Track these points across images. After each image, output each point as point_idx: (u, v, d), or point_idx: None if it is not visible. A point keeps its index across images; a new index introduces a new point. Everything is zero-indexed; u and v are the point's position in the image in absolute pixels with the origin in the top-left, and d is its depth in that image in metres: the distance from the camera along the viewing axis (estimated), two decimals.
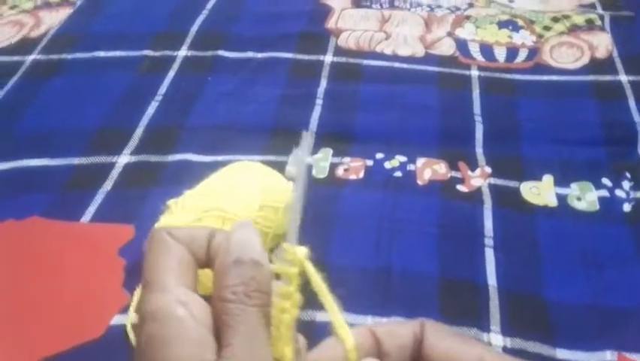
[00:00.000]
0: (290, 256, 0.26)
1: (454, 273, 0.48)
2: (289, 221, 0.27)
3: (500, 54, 0.71)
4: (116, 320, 0.44)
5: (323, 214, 0.53)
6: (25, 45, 0.72)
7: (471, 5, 0.80)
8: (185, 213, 0.44)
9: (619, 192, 0.55)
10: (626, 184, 0.56)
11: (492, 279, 0.47)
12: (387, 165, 0.57)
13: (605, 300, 0.47)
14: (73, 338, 0.43)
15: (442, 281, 0.47)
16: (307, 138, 0.28)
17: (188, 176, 0.51)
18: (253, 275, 0.25)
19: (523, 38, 0.74)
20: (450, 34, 0.74)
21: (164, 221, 0.45)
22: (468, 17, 0.77)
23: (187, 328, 0.24)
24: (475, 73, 0.69)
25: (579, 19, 0.76)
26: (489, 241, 0.50)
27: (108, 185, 0.55)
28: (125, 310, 0.45)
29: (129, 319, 0.44)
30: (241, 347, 0.24)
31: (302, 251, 0.26)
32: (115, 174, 0.56)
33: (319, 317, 0.45)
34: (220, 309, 0.24)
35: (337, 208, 0.54)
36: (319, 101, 0.64)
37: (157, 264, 0.26)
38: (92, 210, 0.53)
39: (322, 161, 0.58)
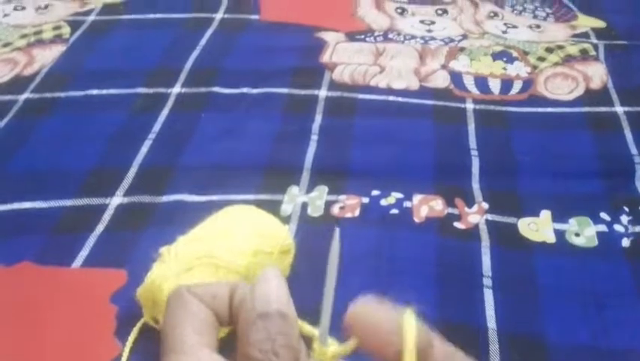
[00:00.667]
0: (320, 356, 0.25)
1: (453, 316, 0.47)
2: (322, 320, 0.26)
3: (495, 86, 0.71)
4: None
5: (319, 254, 0.52)
6: (18, 83, 0.72)
7: (464, 37, 0.80)
8: (177, 261, 0.43)
9: (617, 227, 0.54)
10: (625, 218, 0.55)
11: (491, 322, 0.47)
12: (384, 202, 0.57)
13: (605, 341, 0.46)
14: None
15: (441, 325, 0.46)
16: (336, 236, 0.26)
17: (182, 217, 0.50)
18: (280, 329, 0.24)
19: (518, 70, 0.74)
20: (444, 66, 0.74)
21: (156, 270, 0.44)
22: (462, 49, 0.77)
23: None
24: (470, 106, 0.69)
25: (573, 50, 0.76)
26: (487, 281, 0.50)
27: (100, 228, 0.54)
28: (116, 360, 0.44)
29: None
30: None
31: (332, 350, 0.25)
32: (107, 216, 0.55)
33: None
34: None
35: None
36: (314, 137, 0.64)
37: (178, 325, 0.25)
38: (83, 254, 0.52)
39: (317, 199, 0.57)
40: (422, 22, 0.83)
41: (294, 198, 0.57)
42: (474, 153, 0.62)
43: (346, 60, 0.75)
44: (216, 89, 0.70)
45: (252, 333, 0.24)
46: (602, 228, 0.55)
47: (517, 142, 0.64)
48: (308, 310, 0.47)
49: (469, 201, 0.57)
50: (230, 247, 0.44)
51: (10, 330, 0.46)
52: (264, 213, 0.48)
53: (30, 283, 0.50)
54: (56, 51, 0.77)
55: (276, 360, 0.23)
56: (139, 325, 0.45)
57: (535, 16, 0.84)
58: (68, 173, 0.60)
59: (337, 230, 0.26)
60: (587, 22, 0.83)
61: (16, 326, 0.46)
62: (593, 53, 0.76)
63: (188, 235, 0.46)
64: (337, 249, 0.26)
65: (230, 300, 0.26)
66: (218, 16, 0.83)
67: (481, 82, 0.72)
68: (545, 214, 0.56)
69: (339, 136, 0.65)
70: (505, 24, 0.83)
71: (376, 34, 0.80)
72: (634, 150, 0.62)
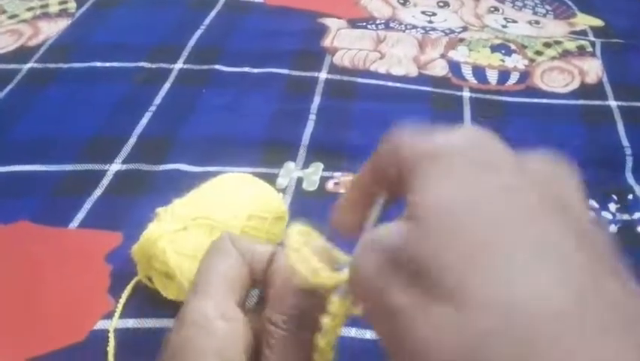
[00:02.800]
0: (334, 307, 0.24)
1: None
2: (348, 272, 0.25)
3: (492, 76, 0.72)
4: (99, 325, 0.44)
5: (313, 226, 0.53)
6: (22, 53, 0.73)
7: (465, 29, 0.81)
8: (173, 220, 0.44)
9: (605, 214, 0.56)
10: (613, 206, 0.56)
11: None
12: None
13: None
14: (56, 341, 0.43)
15: None
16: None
17: (179, 185, 0.51)
18: (309, 308, 0.24)
19: (515, 62, 0.75)
20: (443, 55, 0.75)
21: (152, 228, 0.45)
22: (461, 40, 0.78)
23: (223, 341, 0.24)
24: (466, 94, 0.70)
25: (571, 45, 0.78)
26: None
27: (98, 192, 0.55)
28: (108, 315, 0.45)
29: (112, 325, 0.44)
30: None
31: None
32: (105, 181, 0.56)
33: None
34: (269, 331, 0.24)
35: (326, 221, 0.54)
36: (312, 117, 0.65)
37: (212, 269, 0.26)
38: (80, 216, 0.53)
39: (313, 175, 0.58)
40: (424, 12, 0.84)
41: (289, 172, 0.58)
42: None
43: (347, 45, 0.76)
44: (218, 67, 0.71)
45: (284, 303, 0.25)
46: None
47: (512, 130, 0.65)
48: None
49: None
50: (226, 210, 0.45)
51: (5, 286, 0.47)
52: (260, 181, 0.49)
53: (27, 242, 0.51)
54: (61, 24, 0.78)
55: (298, 334, 0.24)
56: (133, 282, 0.46)
57: (535, 13, 0.86)
58: (69, 140, 0.61)
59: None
60: (585, 21, 0.84)
61: (12, 281, 0.47)
62: (590, 49, 0.77)
63: (184, 197, 0.47)
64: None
65: (268, 263, 0.26)
66: None
67: (479, 72, 0.73)
68: None
69: (336, 117, 0.66)
70: (505, 18, 0.84)
71: (378, 22, 0.82)
72: (625, 142, 0.64)
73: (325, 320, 0.24)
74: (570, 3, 0.88)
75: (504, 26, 0.82)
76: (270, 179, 0.56)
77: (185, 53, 0.73)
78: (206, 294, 0.25)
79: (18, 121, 0.64)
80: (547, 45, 0.78)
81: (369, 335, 0.44)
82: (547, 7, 0.87)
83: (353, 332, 0.45)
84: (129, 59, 0.72)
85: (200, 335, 0.24)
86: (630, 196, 0.58)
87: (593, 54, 0.77)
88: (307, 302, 0.25)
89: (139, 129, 0.62)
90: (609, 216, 0.55)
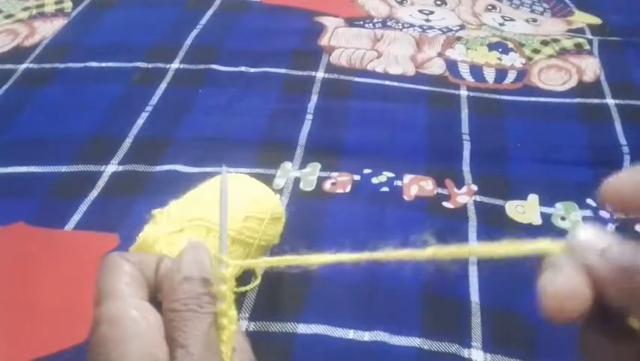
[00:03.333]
0: (219, 274, 0.27)
1: (437, 288, 0.48)
2: (220, 236, 0.29)
3: (489, 75, 0.72)
4: None
5: (309, 227, 0.53)
6: (18, 53, 0.73)
7: (462, 27, 0.81)
8: (169, 222, 0.44)
9: (603, 213, 0.56)
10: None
11: (475, 296, 0.47)
12: (375, 180, 0.58)
13: None
14: (54, 344, 0.43)
15: (424, 297, 0.47)
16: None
17: (175, 186, 0.51)
18: (204, 291, 0.26)
19: (513, 60, 0.75)
20: (440, 54, 0.75)
21: (148, 230, 0.44)
22: (459, 39, 0.78)
23: (141, 328, 0.24)
24: (464, 93, 0.69)
25: (568, 43, 0.77)
26: (472, 258, 0.50)
27: (94, 193, 0.55)
28: None
29: None
30: (197, 348, 0.24)
31: (228, 268, 0.28)
32: (101, 183, 0.56)
33: (301, 329, 0.45)
34: (172, 318, 0.25)
35: (324, 221, 0.54)
36: (309, 117, 0.65)
37: (110, 278, 0.27)
38: (76, 218, 0.53)
39: (310, 175, 0.58)
40: (421, 11, 0.84)
41: (286, 172, 0.58)
42: (466, 137, 0.63)
43: (344, 44, 0.76)
44: (215, 66, 0.71)
45: (177, 292, 0.26)
46: (588, 213, 0.56)
47: (509, 129, 0.65)
48: (296, 276, 0.48)
49: (459, 183, 0.58)
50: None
51: (1, 288, 0.47)
52: (257, 182, 0.49)
53: (23, 243, 0.51)
54: (57, 24, 0.78)
55: (200, 310, 0.25)
56: None
57: (532, 11, 0.85)
58: (65, 140, 0.61)
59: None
60: (582, 19, 0.84)
61: (8, 284, 0.47)
62: (587, 47, 0.77)
63: (180, 198, 0.46)
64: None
65: (157, 268, 0.28)
66: None
67: (476, 70, 0.73)
68: (533, 198, 0.57)
69: (334, 116, 0.65)
70: (502, 17, 0.84)
71: (375, 20, 0.81)
72: (623, 141, 0.63)
73: (221, 287, 0.26)
74: (567, 1, 0.88)
75: (501, 24, 0.82)
76: (267, 179, 0.56)
77: (181, 53, 0.73)
78: (111, 295, 0.26)
79: (14, 122, 0.63)
80: (545, 43, 0.78)
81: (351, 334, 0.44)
82: (545, 5, 0.86)
83: (351, 334, 0.45)
84: (125, 59, 0.71)
85: (117, 329, 0.25)
86: None
87: (590, 52, 0.76)
88: (201, 287, 0.26)
89: (135, 130, 0.62)
90: (607, 216, 0.55)
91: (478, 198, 0.56)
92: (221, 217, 0.29)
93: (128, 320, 0.24)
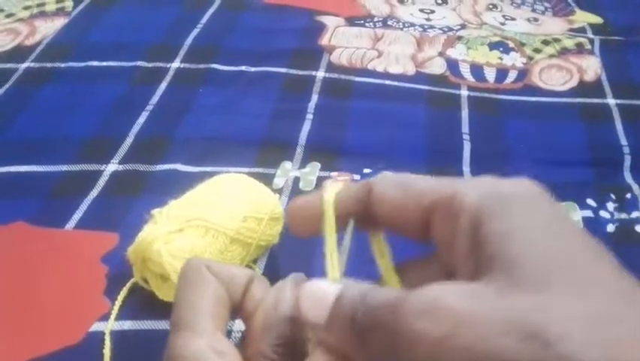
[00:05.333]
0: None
1: None
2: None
3: (490, 75, 0.72)
4: (95, 326, 0.44)
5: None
6: (19, 53, 0.73)
7: (463, 26, 0.81)
8: (168, 222, 0.44)
9: (603, 213, 0.55)
10: (611, 205, 0.56)
11: None
12: None
13: None
14: (52, 343, 0.43)
15: None
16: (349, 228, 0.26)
17: (175, 186, 0.51)
18: (298, 335, 0.23)
19: (514, 60, 0.74)
20: (441, 54, 0.75)
21: (147, 230, 0.45)
22: (459, 38, 0.78)
23: None
24: (464, 92, 0.69)
25: (569, 43, 0.77)
26: None
27: (94, 193, 0.55)
28: (104, 317, 0.45)
29: (108, 327, 0.44)
30: None
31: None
32: (102, 182, 0.56)
33: None
34: None
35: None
36: (310, 116, 0.65)
37: (193, 301, 0.24)
38: (77, 217, 0.53)
39: (309, 175, 0.58)
40: (422, 10, 0.84)
41: (286, 172, 0.58)
42: (466, 137, 0.63)
43: (345, 44, 0.76)
44: (215, 65, 0.71)
45: (269, 332, 0.23)
46: (588, 213, 0.56)
47: (510, 129, 0.65)
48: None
49: None
50: (221, 211, 0.45)
51: (1, 287, 0.47)
52: (256, 182, 0.49)
53: (24, 242, 0.51)
54: (58, 23, 0.78)
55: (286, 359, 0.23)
56: (129, 284, 0.46)
57: (533, 10, 0.85)
58: (65, 140, 0.61)
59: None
60: (584, 18, 0.84)
61: (8, 283, 0.47)
62: (589, 46, 0.77)
63: (180, 199, 0.47)
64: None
65: (246, 288, 0.25)
66: None
67: (477, 70, 0.73)
68: None
69: (334, 116, 0.65)
70: (503, 16, 0.84)
71: (376, 20, 0.81)
72: (624, 141, 0.63)
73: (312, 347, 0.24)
74: (569, 0, 0.87)
75: (502, 24, 0.82)
76: (267, 179, 0.56)
77: (182, 52, 0.73)
78: (190, 328, 0.23)
79: (14, 121, 0.63)
80: (546, 43, 0.77)
81: None
82: (546, 4, 0.86)
83: None
84: (126, 58, 0.71)
85: None
86: (628, 195, 0.57)
87: (591, 52, 0.76)
88: (295, 330, 0.24)
89: (136, 129, 0.62)
90: (607, 216, 0.55)
91: None
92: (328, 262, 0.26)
93: None
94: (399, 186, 0.24)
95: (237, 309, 0.25)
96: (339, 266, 0.25)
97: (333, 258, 0.25)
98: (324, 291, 0.22)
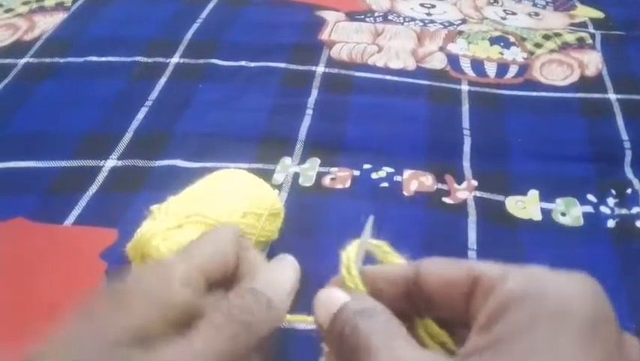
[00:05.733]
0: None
1: None
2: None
3: (491, 69, 0.72)
4: None
5: (308, 222, 0.53)
6: (18, 48, 0.72)
7: (464, 21, 0.80)
8: (167, 218, 0.44)
9: (604, 209, 0.55)
10: (611, 201, 0.56)
11: None
12: (374, 175, 0.58)
13: None
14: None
15: None
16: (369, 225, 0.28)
17: (175, 181, 0.51)
18: (261, 315, 0.25)
19: (514, 55, 0.74)
20: (442, 48, 0.75)
21: (146, 226, 0.44)
22: (460, 33, 0.78)
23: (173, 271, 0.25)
24: (465, 87, 0.69)
25: (570, 37, 0.77)
26: (472, 253, 0.50)
27: (94, 188, 0.55)
28: None
29: None
30: (206, 335, 0.23)
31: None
32: (101, 178, 0.56)
33: (297, 324, 0.45)
34: (209, 306, 0.24)
35: (323, 217, 0.54)
36: (309, 111, 0.65)
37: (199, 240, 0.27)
38: (76, 213, 0.53)
39: (309, 170, 0.58)
40: (422, 5, 0.83)
41: (286, 168, 0.58)
42: (466, 132, 0.63)
43: (345, 39, 0.76)
44: (215, 61, 0.71)
45: (237, 297, 0.25)
46: (588, 209, 0.55)
47: (510, 124, 0.65)
48: None
49: (459, 178, 0.58)
50: (220, 207, 0.44)
51: (0, 282, 0.47)
52: (255, 177, 0.49)
53: (23, 238, 0.51)
54: (57, 18, 0.78)
55: (243, 332, 0.24)
56: None
57: (534, 4, 0.85)
58: (64, 136, 0.61)
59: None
60: (585, 13, 0.83)
61: (7, 278, 0.47)
62: (590, 41, 0.77)
63: (179, 194, 0.46)
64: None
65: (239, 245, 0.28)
66: None
67: (478, 65, 0.73)
68: (533, 193, 0.56)
69: (334, 111, 0.65)
70: (504, 10, 0.83)
71: (376, 14, 0.81)
72: (624, 136, 0.63)
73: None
74: None
75: (503, 18, 0.82)
76: (267, 175, 0.56)
77: (181, 47, 0.73)
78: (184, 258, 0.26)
79: (13, 117, 0.63)
80: (547, 37, 0.77)
81: None
82: None
83: None
84: (125, 54, 0.71)
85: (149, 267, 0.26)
86: (629, 190, 0.57)
87: (592, 46, 0.76)
88: (259, 310, 0.26)
89: (135, 124, 0.62)
90: (607, 212, 0.55)
91: (478, 193, 0.56)
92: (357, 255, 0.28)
93: (163, 267, 0.26)
94: (449, 262, 0.26)
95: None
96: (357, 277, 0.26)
97: (351, 268, 0.26)
98: (333, 298, 0.25)
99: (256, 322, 0.24)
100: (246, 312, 0.24)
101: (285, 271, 0.27)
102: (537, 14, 0.83)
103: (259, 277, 0.26)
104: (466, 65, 0.72)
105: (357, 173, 0.58)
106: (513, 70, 0.72)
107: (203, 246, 0.27)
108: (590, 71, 0.72)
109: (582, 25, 0.81)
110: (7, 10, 0.80)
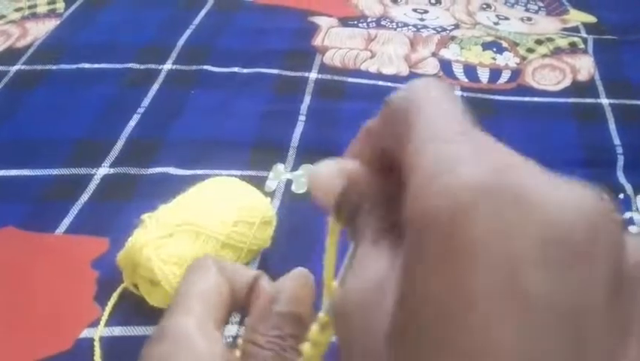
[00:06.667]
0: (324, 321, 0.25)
1: None
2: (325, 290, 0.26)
3: (483, 75, 0.72)
4: (85, 333, 0.44)
5: (302, 229, 0.53)
6: (10, 55, 0.72)
7: (457, 26, 0.81)
8: (158, 227, 0.44)
9: None
10: None
11: None
12: None
13: None
14: (43, 350, 0.43)
15: None
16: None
17: (167, 189, 0.51)
18: (293, 333, 0.23)
19: (507, 60, 0.74)
20: (434, 54, 0.75)
21: (137, 235, 0.44)
22: (453, 38, 0.78)
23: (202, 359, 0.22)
24: (457, 93, 0.69)
25: (562, 42, 0.77)
26: None
27: (85, 197, 0.55)
28: (94, 323, 0.44)
29: (98, 333, 0.43)
30: None
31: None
32: (92, 186, 0.56)
33: None
34: (249, 352, 0.23)
35: (316, 224, 0.54)
36: (302, 118, 0.65)
37: (192, 288, 0.25)
38: (67, 221, 0.52)
39: (302, 177, 0.58)
40: (415, 10, 0.83)
41: (279, 175, 0.58)
42: None
43: (338, 44, 0.76)
44: (207, 67, 0.71)
45: (266, 326, 0.23)
46: None
47: (503, 130, 0.65)
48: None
49: None
50: (212, 216, 0.44)
51: None
52: (247, 186, 0.49)
53: (13, 248, 0.50)
54: (50, 25, 0.78)
55: (281, 353, 0.23)
56: (119, 290, 0.46)
57: (527, 9, 0.85)
58: (56, 143, 0.61)
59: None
60: (578, 17, 0.83)
61: None
62: (582, 46, 0.77)
63: (170, 203, 0.46)
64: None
65: (251, 285, 0.25)
66: None
67: (470, 70, 0.73)
68: None
69: (326, 117, 0.65)
70: (497, 15, 0.83)
71: (369, 20, 0.81)
72: (617, 141, 0.63)
73: (305, 347, 0.24)
74: None
75: (496, 23, 0.82)
76: (259, 182, 0.56)
77: (174, 54, 0.72)
78: (187, 311, 0.24)
79: (4, 124, 0.63)
80: (539, 42, 0.77)
81: None
82: (540, 4, 0.86)
83: None
84: (118, 60, 0.71)
85: (180, 351, 0.23)
86: (621, 195, 0.57)
87: (585, 51, 0.76)
88: (290, 326, 0.24)
89: (127, 131, 0.62)
90: None
91: None
92: (326, 270, 0.26)
93: (192, 344, 0.23)
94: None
95: (242, 305, 0.25)
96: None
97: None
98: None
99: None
100: (279, 338, 0.24)
101: (298, 281, 0.26)
102: (530, 19, 0.83)
103: (282, 298, 0.25)
104: (458, 71, 0.72)
105: None
106: (505, 75, 0.72)
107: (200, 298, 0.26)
108: (583, 76, 0.72)
109: (574, 29, 0.81)
110: (0, 17, 0.79)
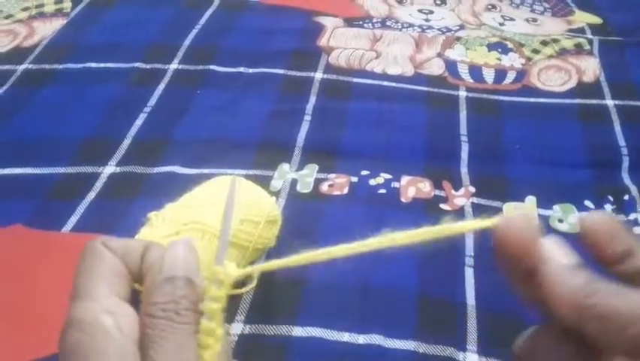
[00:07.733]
0: (219, 276, 0.25)
1: (433, 291, 0.48)
2: (219, 243, 0.27)
3: (489, 75, 0.72)
4: None
5: (306, 229, 0.53)
6: (17, 54, 0.73)
7: (462, 27, 0.81)
8: (165, 225, 0.44)
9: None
10: (609, 207, 0.56)
11: (470, 298, 0.47)
12: (372, 182, 0.58)
13: None
14: (49, 347, 0.43)
15: (420, 300, 0.48)
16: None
17: (173, 188, 0.51)
18: (185, 294, 0.24)
19: (512, 61, 0.74)
20: (440, 54, 0.75)
21: (143, 233, 0.45)
22: (458, 39, 0.78)
23: (112, 340, 0.23)
24: (463, 93, 0.69)
25: (568, 43, 0.77)
26: (469, 260, 0.50)
27: (92, 195, 0.55)
28: None
29: None
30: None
31: (230, 273, 0.25)
32: (99, 184, 0.56)
33: (296, 332, 0.45)
34: (147, 324, 0.24)
35: (320, 223, 0.54)
36: (307, 118, 0.65)
37: (88, 272, 0.26)
38: (73, 219, 0.53)
39: (307, 177, 0.58)
40: (420, 11, 0.84)
41: (284, 174, 0.58)
42: (464, 139, 0.63)
43: (343, 45, 0.76)
44: (213, 67, 0.71)
45: (157, 294, 0.24)
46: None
47: (508, 130, 0.65)
48: (291, 279, 0.48)
49: (457, 185, 0.58)
50: (218, 214, 0.44)
51: None
52: (253, 184, 0.49)
53: (20, 245, 0.51)
54: (57, 24, 0.78)
55: (177, 319, 0.24)
56: None
57: (532, 10, 0.85)
58: (63, 142, 0.61)
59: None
60: (583, 18, 0.83)
61: (4, 285, 0.47)
62: (588, 47, 0.77)
63: (176, 201, 0.46)
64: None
65: (142, 257, 0.26)
66: None
67: (476, 71, 0.73)
68: (530, 200, 0.56)
69: (332, 117, 0.65)
70: (502, 16, 0.83)
71: (374, 20, 0.81)
72: (622, 142, 0.63)
73: (205, 304, 0.24)
74: (568, 0, 0.87)
75: (501, 24, 0.82)
76: (265, 181, 0.56)
77: (180, 54, 0.73)
78: (85, 295, 0.25)
79: (12, 123, 0.63)
80: (545, 43, 0.77)
81: (361, 340, 0.45)
82: (545, 5, 0.86)
83: (345, 337, 0.45)
84: (124, 60, 0.71)
85: (86, 337, 0.24)
86: (626, 197, 0.57)
87: (590, 52, 0.76)
88: (181, 289, 0.25)
89: (134, 131, 0.62)
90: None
91: (475, 200, 0.56)
92: (224, 224, 0.27)
93: (98, 329, 0.23)
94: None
95: (138, 279, 0.26)
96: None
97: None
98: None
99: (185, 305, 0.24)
100: (172, 302, 0.24)
101: (181, 248, 0.26)
102: (535, 20, 0.83)
103: (166, 264, 0.25)
104: (464, 71, 0.73)
105: (354, 179, 0.58)
106: (511, 76, 0.72)
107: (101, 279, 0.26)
108: (588, 77, 0.72)
109: (580, 30, 0.81)
110: (7, 16, 0.80)
